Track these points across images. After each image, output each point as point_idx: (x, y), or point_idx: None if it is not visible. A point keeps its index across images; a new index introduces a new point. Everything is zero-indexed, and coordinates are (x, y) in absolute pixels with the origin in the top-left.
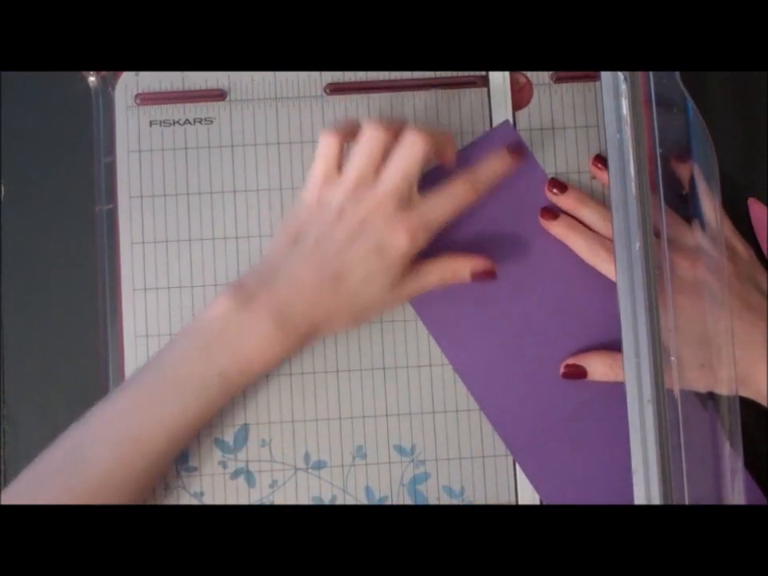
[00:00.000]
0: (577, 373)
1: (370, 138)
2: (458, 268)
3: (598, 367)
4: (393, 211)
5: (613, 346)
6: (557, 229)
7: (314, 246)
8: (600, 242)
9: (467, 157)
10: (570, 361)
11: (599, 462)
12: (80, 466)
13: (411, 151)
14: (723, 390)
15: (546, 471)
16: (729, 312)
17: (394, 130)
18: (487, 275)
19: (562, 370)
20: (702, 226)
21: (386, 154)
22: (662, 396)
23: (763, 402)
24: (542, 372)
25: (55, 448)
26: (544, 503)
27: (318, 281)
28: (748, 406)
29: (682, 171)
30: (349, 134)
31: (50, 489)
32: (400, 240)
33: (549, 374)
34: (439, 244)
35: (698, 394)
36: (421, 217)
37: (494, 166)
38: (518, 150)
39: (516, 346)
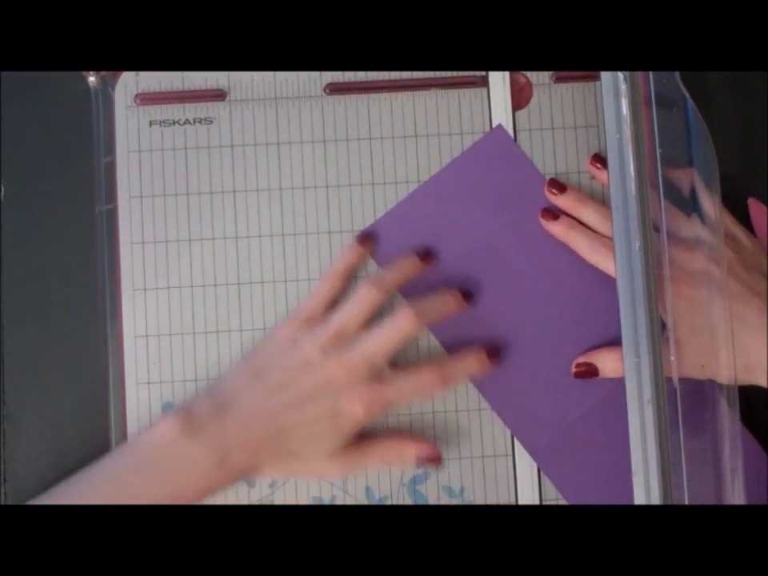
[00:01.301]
0: (588, 371)
1: (363, 296)
2: (403, 452)
3: (608, 363)
4: (360, 379)
5: (620, 343)
6: (557, 229)
7: (272, 392)
8: (600, 240)
9: (463, 165)
10: (581, 360)
11: (620, 460)
12: None
13: (401, 328)
14: (725, 381)
15: (567, 472)
16: (729, 302)
17: (390, 293)
18: (432, 461)
19: (573, 369)
20: (702, 222)
21: (374, 315)
22: (662, 396)
23: None
24: (552, 373)
25: None
26: (569, 504)
27: (266, 429)
28: (758, 394)
29: (682, 171)
30: (349, 278)
31: None
32: (357, 411)
33: (559, 375)
34: (439, 253)
35: (698, 395)
36: (384, 393)
37: (467, 364)
38: (495, 352)
39: (523, 348)
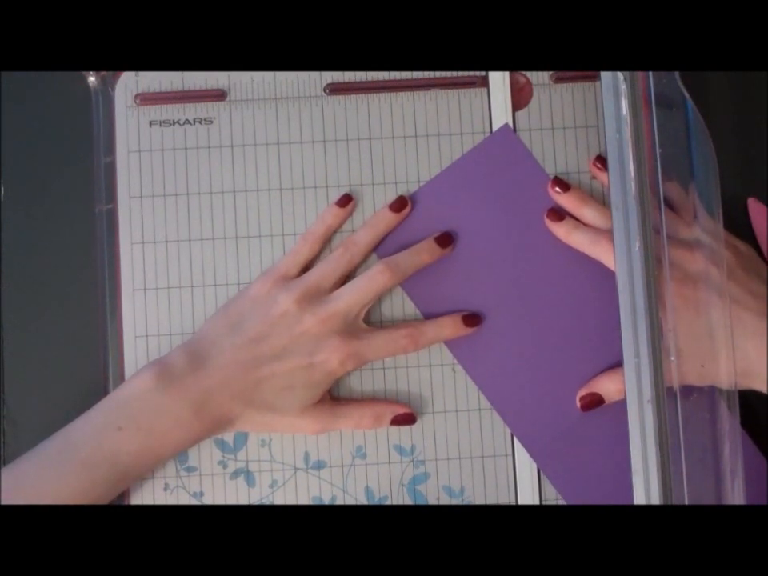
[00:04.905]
0: (593, 401)
1: (339, 256)
2: (379, 413)
3: (611, 386)
4: (335, 332)
5: (620, 343)
6: (560, 230)
7: (248, 343)
8: (601, 234)
9: (469, 163)
10: (583, 392)
11: (620, 460)
12: None
13: (375, 281)
14: (724, 386)
15: (567, 472)
16: (728, 302)
17: (365, 253)
18: (407, 422)
19: (578, 403)
20: (702, 225)
21: (349, 274)
22: (662, 396)
23: None
24: (552, 373)
25: None
26: (569, 504)
27: (242, 382)
28: (758, 397)
29: (682, 171)
30: (327, 240)
31: None
32: (332, 364)
33: (560, 375)
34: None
35: (698, 395)
36: (358, 348)
37: (443, 328)
38: (472, 319)
39: (524, 348)
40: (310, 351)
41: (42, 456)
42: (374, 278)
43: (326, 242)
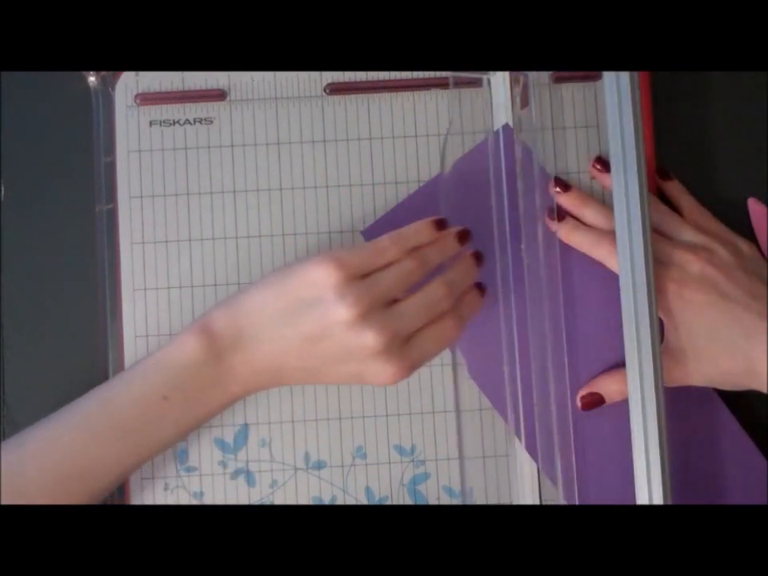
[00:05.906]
0: (594, 401)
1: (413, 270)
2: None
3: (612, 387)
4: (393, 349)
5: (621, 342)
6: (561, 231)
7: (299, 340)
8: (603, 235)
9: (469, 163)
10: (584, 392)
11: (621, 460)
12: (15, 495)
13: (437, 305)
14: (724, 386)
15: (566, 472)
16: (728, 303)
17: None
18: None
19: (578, 403)
20: (703, 225)
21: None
22: (663, 396)
23: None
24: (553, 372)
25: None
26: (569, 504)
27: (291, 369)
28: (758, 398)
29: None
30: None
31: None
32: (381, 379)
33: (560, 374)
34: None
35: (698, 395)
36: (411, 361)
37: (473, 305)
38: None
39: (525, 347)
40: (364, 364)
41: (83, 422)
42: (435, 301)
43: (405, 254)
